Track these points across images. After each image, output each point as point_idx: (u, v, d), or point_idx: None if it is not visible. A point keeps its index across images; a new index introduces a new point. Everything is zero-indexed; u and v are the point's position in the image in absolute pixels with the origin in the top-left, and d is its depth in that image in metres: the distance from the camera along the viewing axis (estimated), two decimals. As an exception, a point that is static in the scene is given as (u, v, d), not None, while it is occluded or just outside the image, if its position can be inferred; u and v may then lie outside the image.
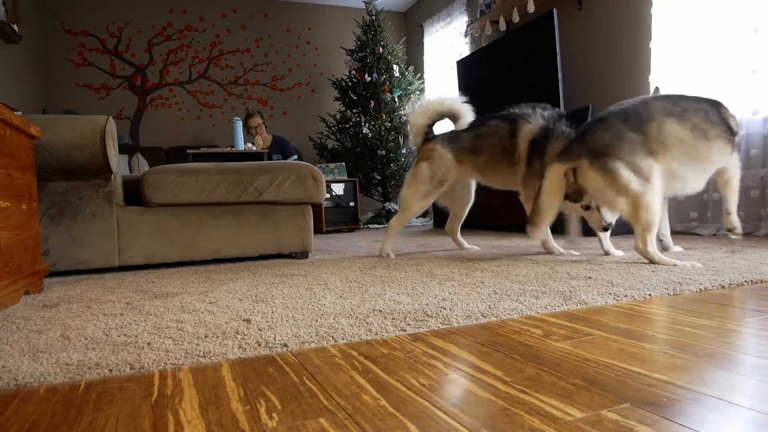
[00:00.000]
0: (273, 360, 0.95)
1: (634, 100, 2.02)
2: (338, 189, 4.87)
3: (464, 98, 2.58)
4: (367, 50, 5.50)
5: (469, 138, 2.46)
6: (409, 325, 1.15)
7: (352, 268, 2.14)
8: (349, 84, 5.55)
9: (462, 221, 2.78)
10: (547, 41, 3.78)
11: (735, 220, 2.08)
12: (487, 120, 2.46)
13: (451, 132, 2.57)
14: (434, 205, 5.06)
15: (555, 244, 2.39)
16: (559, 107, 3.51)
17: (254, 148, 4.37)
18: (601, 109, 3.43)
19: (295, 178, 2.54)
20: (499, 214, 4.05)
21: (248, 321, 1.23)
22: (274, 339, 1.06)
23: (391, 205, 5.58)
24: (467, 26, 5.26)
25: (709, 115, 1.93)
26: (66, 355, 1.00)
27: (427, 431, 0.63)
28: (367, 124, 5.41)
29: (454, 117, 2.59)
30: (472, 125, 2.51)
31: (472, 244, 2.83)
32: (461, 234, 2.90)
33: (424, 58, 6.42)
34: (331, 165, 5.03)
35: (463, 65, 4.95)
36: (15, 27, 4.00)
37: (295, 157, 5.03)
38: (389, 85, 5.42)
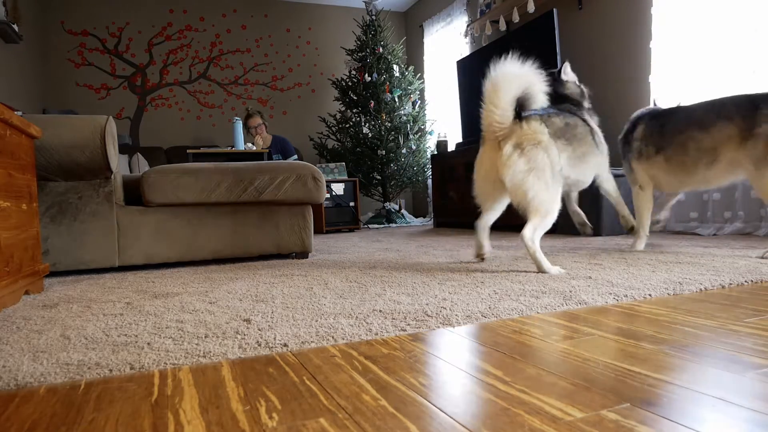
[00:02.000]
0: (273, 360, 0.95)
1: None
2: (338, 189, 4.87)
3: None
4: (367, 50, 5.50)
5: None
6: (409, 325, 1.15)
7: (352, 268, 2.14)
8: (349, 84, 5.55)
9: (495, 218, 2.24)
10: (548, 41, 3.77)
11: None
12: (570, 117, 2.00)
13: (558, 118, 2.00)
14: (435, 204, 5.06)
15: None
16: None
17: (254, 148, 4.37)
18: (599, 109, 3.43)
19: (295, 178, 2.54)
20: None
21: (248, 321, 1.23)
22: (274, 339, 1.06)
23: (391, 205, 5.58)
24: (467, 26, 5.26)
25: None
26: (66, 355, 1.00)
27: (427, 431, 0.63)
28: (367, 124, 5.41)
29: (526, 101, 2.02)
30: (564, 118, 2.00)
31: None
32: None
33: (424, 58, 6.42)
34: (331, 165, 5.03)
35: (463, 65, 4.95)
36: (15, 27, 4.00)
37: (295, 157, 5.03)
38: (389, 85, 5.42)
